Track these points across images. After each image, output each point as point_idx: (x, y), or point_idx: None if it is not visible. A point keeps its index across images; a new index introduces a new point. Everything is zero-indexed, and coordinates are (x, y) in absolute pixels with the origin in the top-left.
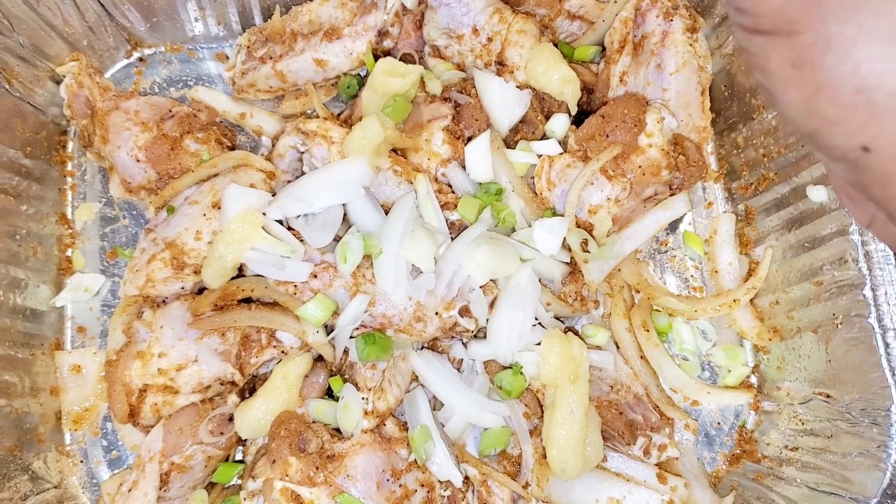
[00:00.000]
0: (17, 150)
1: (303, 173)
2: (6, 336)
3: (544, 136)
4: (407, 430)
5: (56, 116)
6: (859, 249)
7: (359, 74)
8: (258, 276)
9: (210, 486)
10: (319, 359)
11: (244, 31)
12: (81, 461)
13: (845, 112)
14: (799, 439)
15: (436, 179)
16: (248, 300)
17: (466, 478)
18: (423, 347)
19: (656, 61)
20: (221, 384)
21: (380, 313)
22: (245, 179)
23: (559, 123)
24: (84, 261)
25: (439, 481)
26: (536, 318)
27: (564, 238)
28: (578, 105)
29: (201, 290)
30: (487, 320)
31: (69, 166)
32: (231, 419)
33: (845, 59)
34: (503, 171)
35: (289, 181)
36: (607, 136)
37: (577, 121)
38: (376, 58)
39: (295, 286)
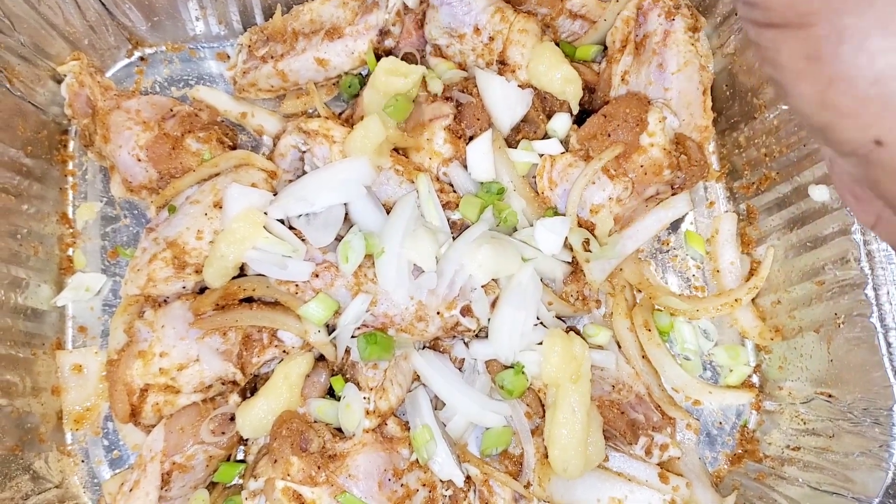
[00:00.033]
0: (18, 149)
1: (304, 173)
2: (7, 336)
3: (546, 136)
4: (408, 429)
5: (57, 116)
6: (861, 249)
7: (360, 74)
8: (260, 275)
9: (211, 486)
10: (321, 358)
11: (245, 31)
12: (83, 461)
13: (859, 104)
14: (801, 439)
15: (437, 179)
16: (249, 300)
17: (468, 477)
18: (424, 347)
19: (658, 60)
20: (223, 384)
21: (381, 313)
22: (246, 179)
23: (561, 123)
24: (85, 260)
25: (441, 481)
26: (538, 318)
27: (566, 237)
28: (580, 104)
29: (203, 290)
30: (489, 320)
31: (70, 165)
32: (232, 419)
33: (859, 51)
34: (505, 171)
35: (290, 180)
36: (609, 136)
37: (579, 120)
38: (378, 57)
39: (296, 285)
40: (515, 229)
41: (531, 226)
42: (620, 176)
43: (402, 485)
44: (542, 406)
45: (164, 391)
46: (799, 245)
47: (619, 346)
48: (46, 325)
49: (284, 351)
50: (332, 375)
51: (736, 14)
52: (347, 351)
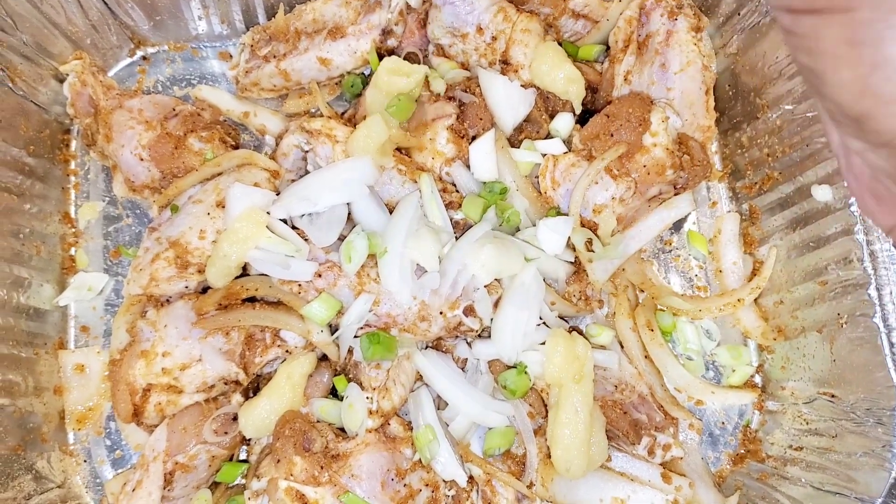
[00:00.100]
0: (21, 148)
1: (307, 172)
2: (10, 335)
3: (549, 136)
4: (411, 429)
5: (59, 115)
6: (864, 249)
7: (363, 73)
8: (262, 275)
9: (214, 486)
10: (324, 358)
11: (248, 30)
12: (85, 461)
13: None
14: (803, 439)
15: (440, 178)
16: (252, 299)
17: (471, 477)
18: (427, 347)
19: (661, 60)
20: (225, 383)
21: (384, 313)
22: (249, 178)
23: (563, 122)
24: (87, 260)
25: (444, 481)
26: (541, 318)
27: (569, 237)
28: (583, 104)
29: (205, 290)
30: (492, 320)
31: (72, 165)
32: (235, 419)
33: None
34: (507, 171)
35: (293, 180)
36: (612, 136)
37: (582, 120)
38: (380, 56)
39: (299, 285)
40: (518, 229)
41: (534, 226)
42: (623, 176)
43: (404, 485)
44: (545, 406)
45: (166, 391)
46: (802, 245)
47: (622, 346)
48: (49, 325)
49: (287, 351)
50: (335, 375)
51: (739, 14)
52: (350, 351)
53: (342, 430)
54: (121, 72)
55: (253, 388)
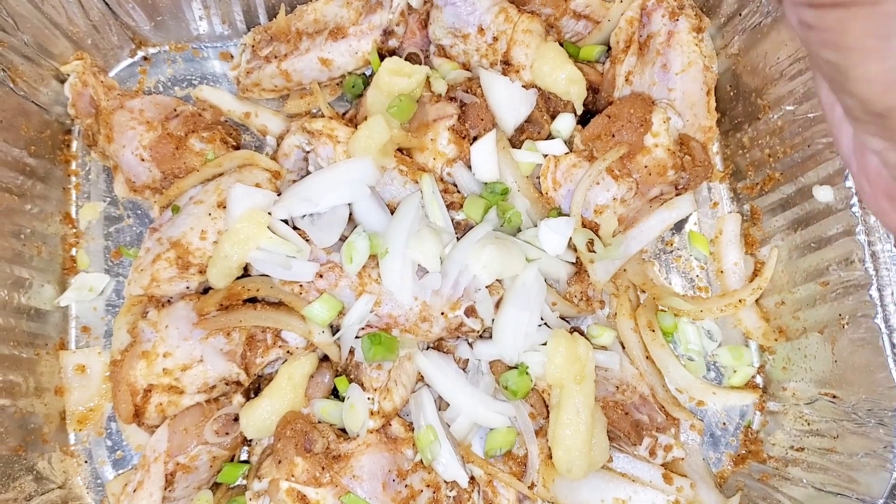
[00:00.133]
0: (22, 149)
1: (308, 173)
2: (10, 336)
3: (550, 136)
4: (413, 430)
5: (60, 115)
6: (865, 250)
7: (364, 74)
8: (264, 275)
9: (215, 487)
10: (325, 359)
11: (249, 30)
12: (86, 461)
13: None
14: (805, 440)
15: (441, 179)
16: (253, 300)
17: (472, 478)
18: (428, 347)
19: (662, 61)
20: (227, 384)
21: (385, 313)
22: (250, 179)
23: (565, 123)
24: (88, 260)
25: (445, 481)
26: (542, 319)
27: (570, 238)
28: (584, 105)
29: (206, 290)
30: (493, 320)
31: (73, 165)
32: (236, 419)
33: None
34: (509, 171)
35: (294, 181)
36: (613, 136)
37: (583, 120)
38: (381, 57)
39: (300, 286)
40: (519, 230)
41: (535, 226)
42: (624, 176)
43: (406, 485)
44: (546, 407)
45: (167, 391)
46: (803, 246)
47: (623, 347)
48: (50, 326)
49: (288, 351)
50: (336, 376)
51: (740, 14)
52: (351, 351)
53: (343, 430)
54: (122, 72)
55: (254, 389)
